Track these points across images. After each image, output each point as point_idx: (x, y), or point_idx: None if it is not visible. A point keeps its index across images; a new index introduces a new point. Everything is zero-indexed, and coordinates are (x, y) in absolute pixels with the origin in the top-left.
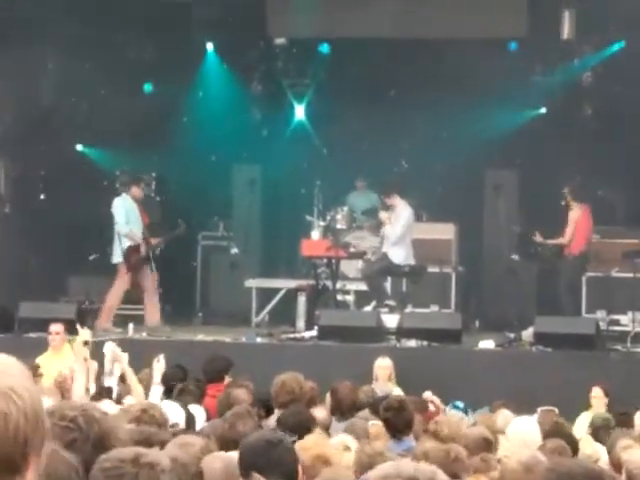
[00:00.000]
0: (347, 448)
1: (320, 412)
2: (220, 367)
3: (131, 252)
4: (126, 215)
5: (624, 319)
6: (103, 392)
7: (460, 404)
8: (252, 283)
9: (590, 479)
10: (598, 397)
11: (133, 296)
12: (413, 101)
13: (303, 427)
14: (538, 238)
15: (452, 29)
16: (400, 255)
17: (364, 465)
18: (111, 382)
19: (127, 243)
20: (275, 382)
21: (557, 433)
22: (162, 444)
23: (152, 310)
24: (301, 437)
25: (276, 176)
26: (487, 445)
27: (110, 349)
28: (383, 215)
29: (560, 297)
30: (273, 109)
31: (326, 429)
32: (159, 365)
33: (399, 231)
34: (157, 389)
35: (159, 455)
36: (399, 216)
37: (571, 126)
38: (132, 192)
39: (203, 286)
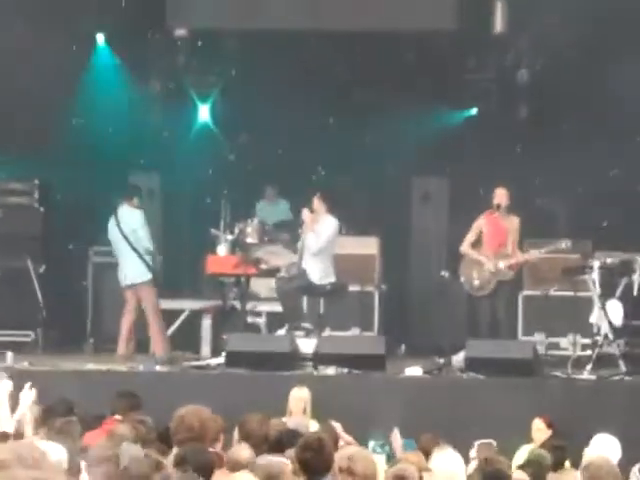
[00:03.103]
0: None
1: (244, 451)
2: (131, 404)
3: (155, 266)
4: (147, 229)
5: (564, 342)
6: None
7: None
8: None
9: None
10: (540, 430)
11: (12, 321)
12: (331, 101)
13: (205, 468)
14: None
15: (373, 21)
16: (317, 270)
17: None
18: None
19: (149, 258)
20: (174, 417)
21: (488, 469)
22: None
23: (160, 336)
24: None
25: (178, 185)
26: None
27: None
28: (306, 213)
29: (501, 320)
30: (174, 110)
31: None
32: (27, 396)
33: (323, 243)
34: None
35: None
36: (324, 227)
37: (506, 128)
38: (133, 203)
39: (94, 308)
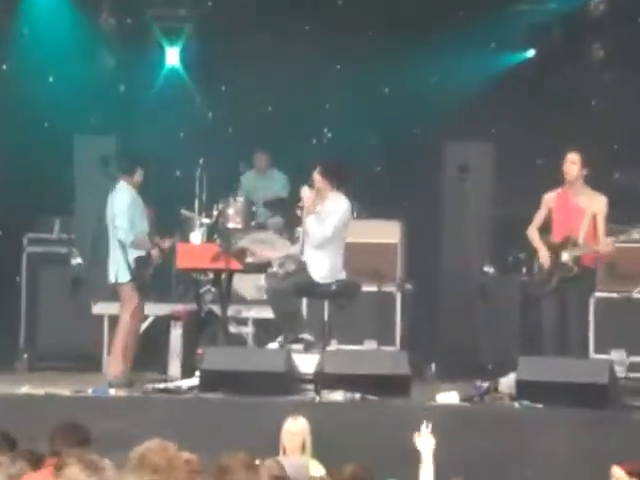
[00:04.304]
0: None
1: None
2: (75, 439)
3: (140, 265)
4: (131, 215)
5: None
6: None
7: None
8: (103, 308)
9: None
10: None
11: None
12: (339, 43)
13: None
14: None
15: None
16: (323, 266)
17: None
18: None
19: (134, 254)
20: (132, 455)
21: None
22: None
23: (121, 355)
24: None
25: (139, 152)
26: None
27: None
28: (306, 192)
29: (573, 331)
30: (133, 54)
31: None
32: None
33: (330, 231)
34: None
35: None
36: (331, 208)
37: (573, 77)
38: (135, 179)
39: (30, 313)
